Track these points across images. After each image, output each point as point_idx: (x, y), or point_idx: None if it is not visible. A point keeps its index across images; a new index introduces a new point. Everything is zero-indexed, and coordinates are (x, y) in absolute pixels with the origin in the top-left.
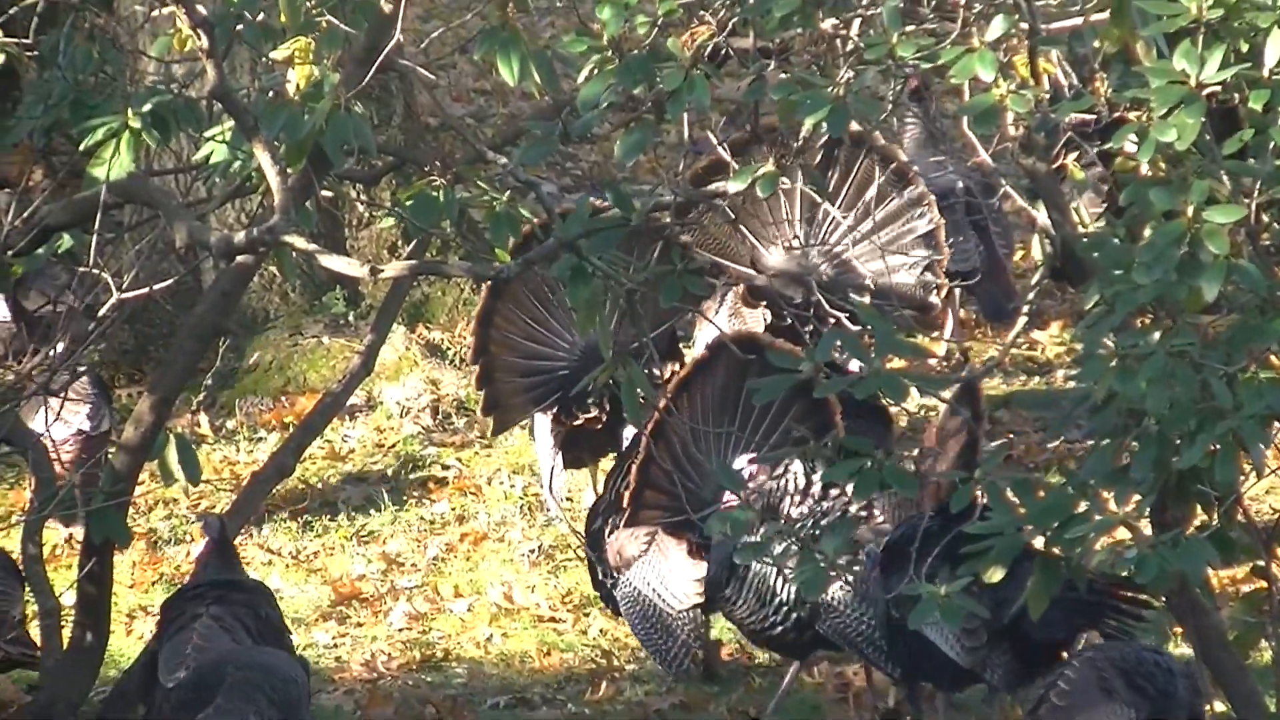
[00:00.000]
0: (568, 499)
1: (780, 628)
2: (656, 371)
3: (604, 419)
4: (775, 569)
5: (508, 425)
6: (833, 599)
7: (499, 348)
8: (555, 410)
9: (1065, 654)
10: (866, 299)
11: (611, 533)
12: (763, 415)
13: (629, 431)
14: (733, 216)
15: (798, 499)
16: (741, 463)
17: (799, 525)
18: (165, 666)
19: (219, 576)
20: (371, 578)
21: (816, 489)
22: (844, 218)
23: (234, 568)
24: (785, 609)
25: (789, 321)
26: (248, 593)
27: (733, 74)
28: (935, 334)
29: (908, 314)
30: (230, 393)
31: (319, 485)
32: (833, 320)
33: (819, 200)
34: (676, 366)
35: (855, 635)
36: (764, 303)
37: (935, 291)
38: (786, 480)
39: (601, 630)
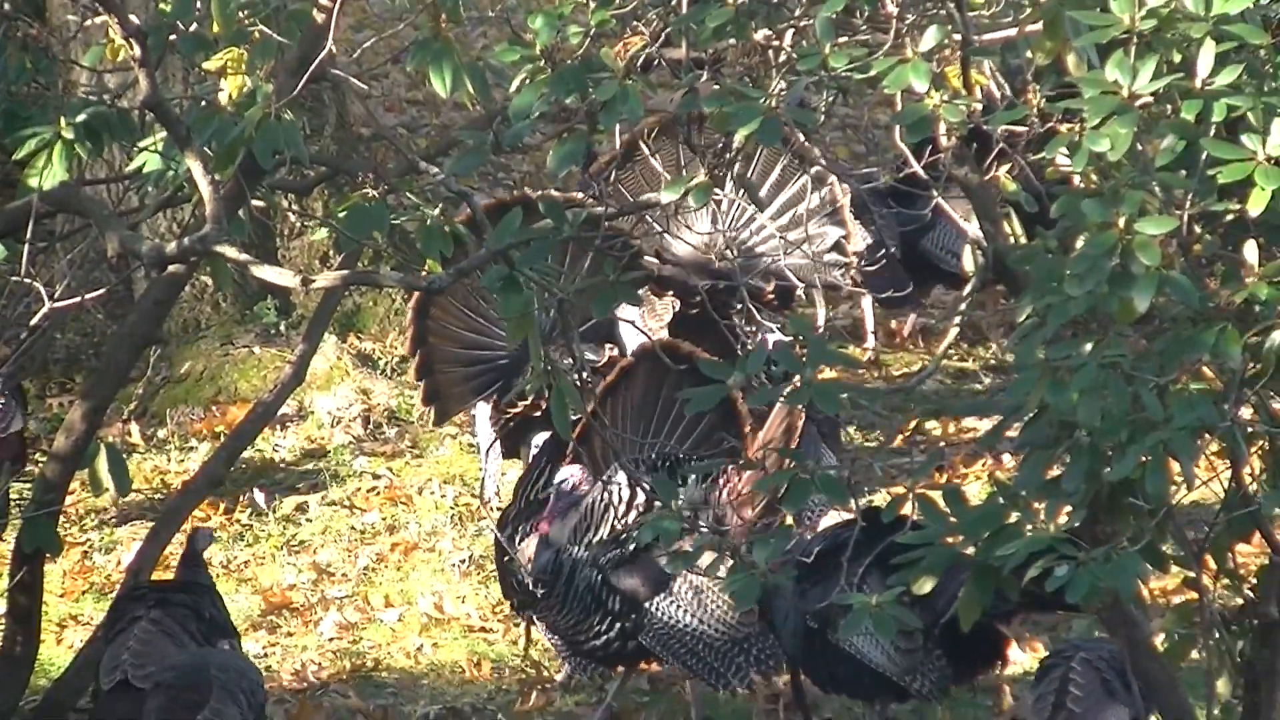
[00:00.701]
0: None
1: (604, 637)
2: (593, 357)
3: (544, 407)
4: (600, 575)
5: (449, 415)
6: (658, 609)
7: (437, 338)
8: (495, 398)
9: (996, 656)
10: (771, 284)
11: (522, 540)
12: (679, 421)
13: (537, 439)
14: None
15: (621, 509)
16: (565, 473)
17: (624, 536)
18: (104, 670)
19: (179, 577)
20: (302, 587)
21: (640, 501)
22: (748, 203)
23: (197, 571)
24: (610, 618)
25: (695, 310)
26: (192, 594)
27: (666, 85)
28: (865, 345)
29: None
30: (161, 402)
31: (250, 493)
32: (739, 306)
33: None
34: (614, 350)
35: (679, 646)
36: (670, 292)
37: (844, 272)
38: (611, 491)
39: (532, 640)
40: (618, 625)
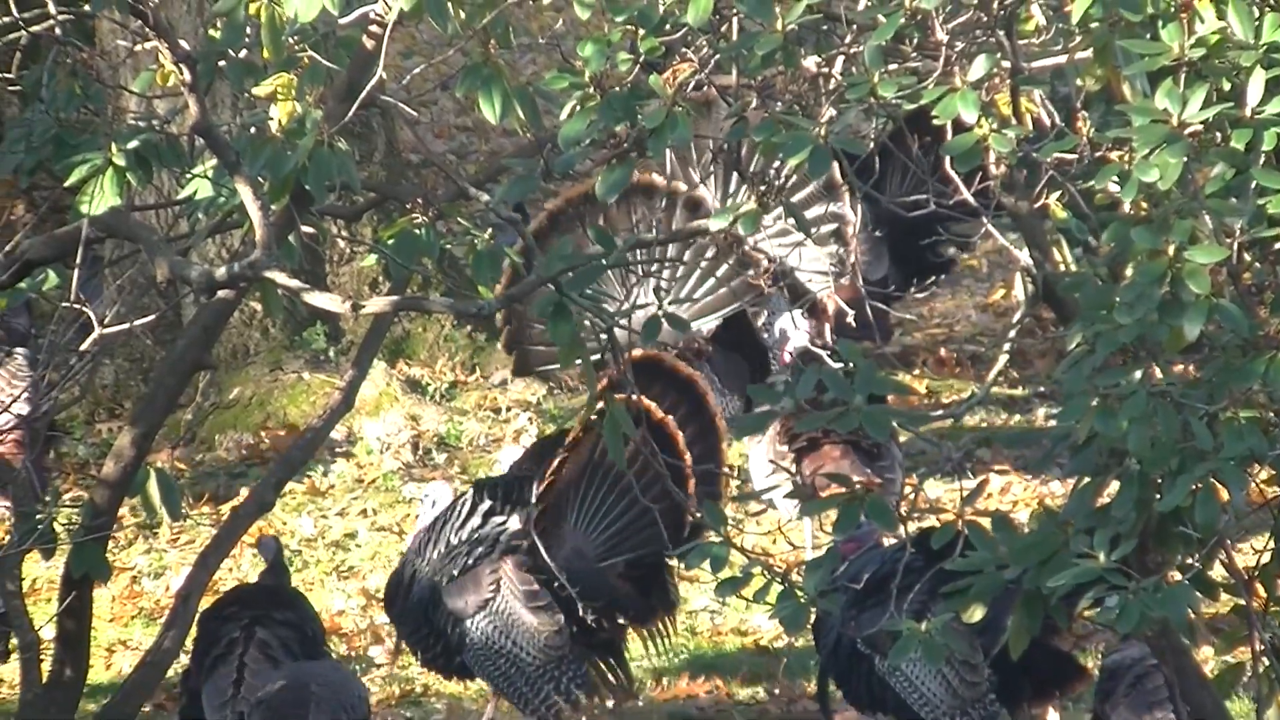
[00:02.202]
0: None
1: (432, 651)
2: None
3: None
4: (430, 591)
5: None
6: (476, 628)
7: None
8: None
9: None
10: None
11: None
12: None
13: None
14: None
15: (458, 524)
16: (430, 489)
17: (455, 550)
18: (211, 703)
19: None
20: (351, 613)
21: (478, 517)
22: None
23: (282, 579)
24: (435, 633)
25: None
26: (292, 609)
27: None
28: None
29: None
30: (210, 427)
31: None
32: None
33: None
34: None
35: (492, 667)
36: None
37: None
38: (455, 507)
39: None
40: (442, 640)
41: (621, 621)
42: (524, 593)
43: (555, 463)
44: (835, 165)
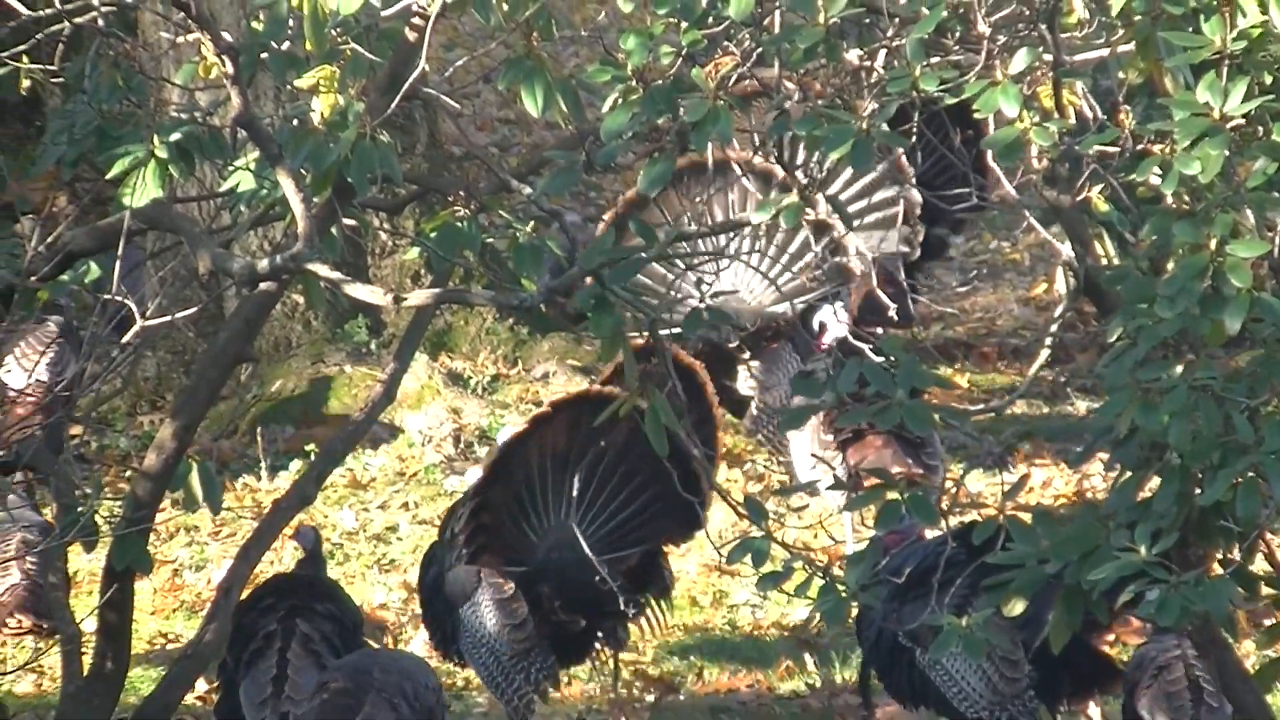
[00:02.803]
0: None
1: (437, 637)
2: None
3: None
4: (438, 575)
5: None
6: (464, 616)
7: None
8: None
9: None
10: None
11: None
12: (596, 468)
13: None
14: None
15: (461, 513)
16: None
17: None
18: (251, 704)
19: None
20: (393, 606)
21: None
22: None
23: (319, 570)
24: (438, 618)
25: None
26: (331, 600)
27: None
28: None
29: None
30: (252, 420)
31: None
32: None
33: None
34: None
35: (475, 655)
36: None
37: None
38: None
39: (622, 661)
40: (442, 628)
41: (610, 614)
42: (492, 585)
43: (497, 455)
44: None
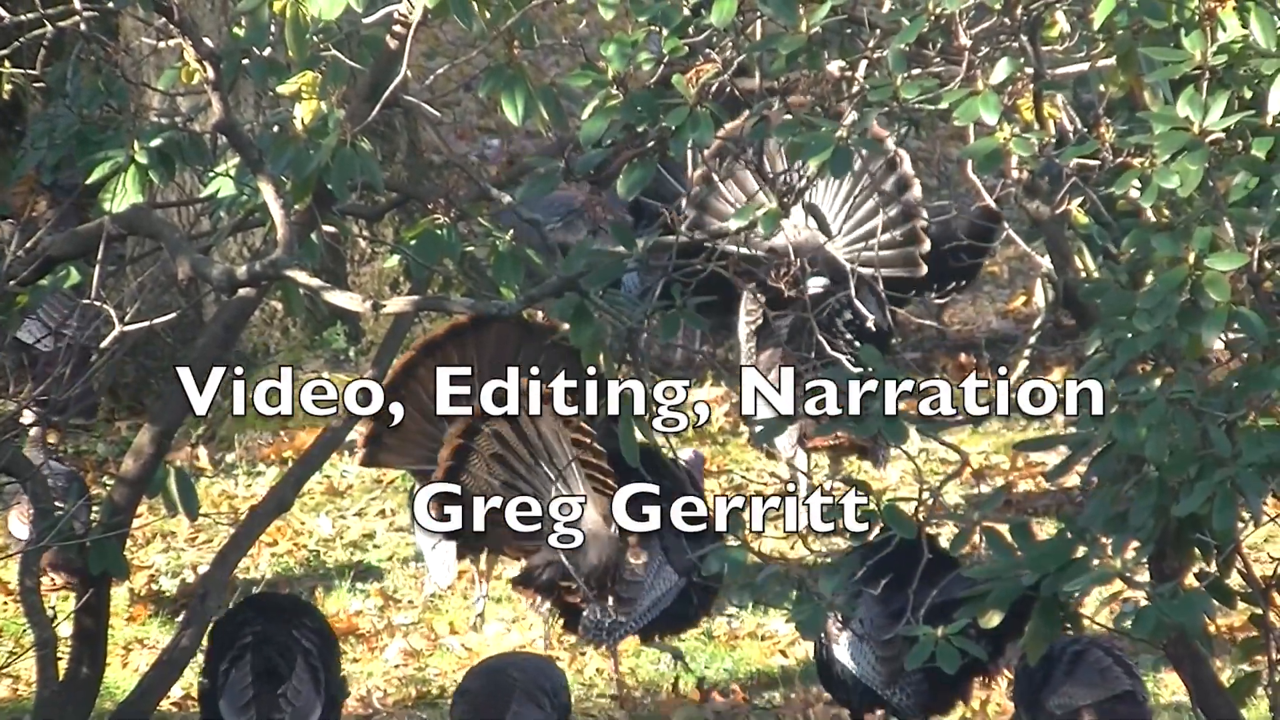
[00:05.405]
0: None
1: None
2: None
3: None
4: None
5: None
6: None
7: None
8: None
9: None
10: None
11: None
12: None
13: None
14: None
15: None
16: None
17: None
18: (232, 708)
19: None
20: (368, 614)
21: None
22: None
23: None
24: None
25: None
26: (309, 616)
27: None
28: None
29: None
30: (230, 426)
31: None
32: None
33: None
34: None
35: None
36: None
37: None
38: None
39: (598, 669)
40: None
41: None
42: None
43: None
44: (906, 157)
